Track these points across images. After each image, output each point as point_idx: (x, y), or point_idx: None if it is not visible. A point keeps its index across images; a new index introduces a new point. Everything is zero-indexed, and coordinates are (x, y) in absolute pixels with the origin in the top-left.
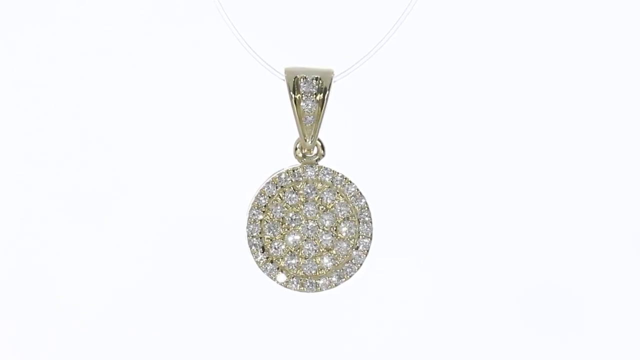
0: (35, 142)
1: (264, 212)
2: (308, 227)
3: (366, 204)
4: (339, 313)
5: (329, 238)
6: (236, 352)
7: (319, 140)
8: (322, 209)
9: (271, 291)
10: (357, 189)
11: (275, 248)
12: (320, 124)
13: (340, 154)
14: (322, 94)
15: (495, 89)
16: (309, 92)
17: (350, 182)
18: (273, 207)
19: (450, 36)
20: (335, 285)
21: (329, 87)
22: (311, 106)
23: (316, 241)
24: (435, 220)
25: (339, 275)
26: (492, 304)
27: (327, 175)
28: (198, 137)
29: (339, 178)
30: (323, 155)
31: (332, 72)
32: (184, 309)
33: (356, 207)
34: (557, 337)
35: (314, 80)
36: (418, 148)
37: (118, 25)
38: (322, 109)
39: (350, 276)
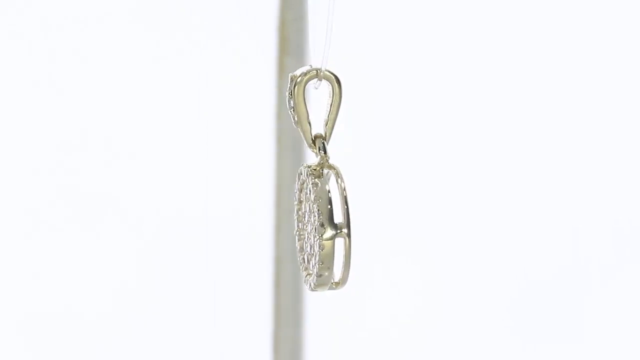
0: (31, 143)
1: (297, 209)
2: (314, 225)
3: (317, 207)
4: (336, 313)
5: (317, 238)
6: (235, 352)
7: (321, 140)
8: (315, 209)
9: (267, 291)
10: (319, 193)
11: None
12: (304, 124)
13: (338, 154)
14: (291, 94)
15: (490, 84)
16: (287, 93)
17: (316, 183)
18: (299, 204)
19: (441, 32)
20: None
21: (294, 86)
22: (290, 105)
23: (315, 241)
24: (432, 220)
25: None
26: (490, 306)
27: (310, 176)
28: (229, 139)
29: (311, 179)
30: (324, 157)
31: (303, 71)
32: (183, 311)
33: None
34: (555, 338)
35: (290, 81)
36: (414, 147)
37: (116, 25)
38: (298, 108)
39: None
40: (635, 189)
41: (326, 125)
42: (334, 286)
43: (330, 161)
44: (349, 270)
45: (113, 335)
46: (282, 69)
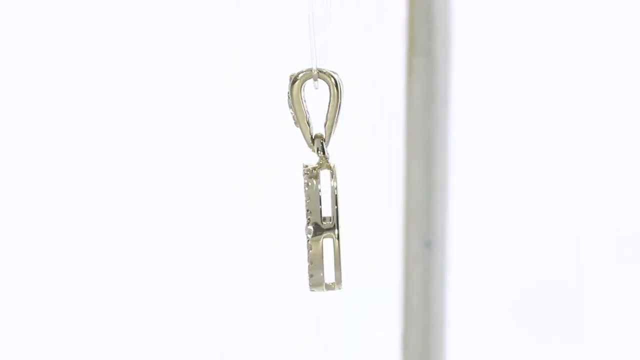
0: (31, 143)
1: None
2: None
3: (307, 207)
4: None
5: (307, 238)
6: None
7: (320, 140)
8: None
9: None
10: (309, 193)
11: None
12: (303, 123)
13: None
14: (288, 95)
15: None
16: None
17: (308, 183)
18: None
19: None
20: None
21: (291, 87)
22: (290, 105)
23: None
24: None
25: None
26: (490, 305)
27: (305, 176)
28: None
29: (305, 179)
30: (323, 157)
31: (300, 71)
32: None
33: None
34: (556, 338)
35: (289, 80)
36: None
37: (114, 25)
38: (296, 108)
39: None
40: (636, 190)
41: (325, 125)
42: (332, 287)
43: (330, 161)
44: (340, 271)
45: (115, 335)
46: (411, 69)
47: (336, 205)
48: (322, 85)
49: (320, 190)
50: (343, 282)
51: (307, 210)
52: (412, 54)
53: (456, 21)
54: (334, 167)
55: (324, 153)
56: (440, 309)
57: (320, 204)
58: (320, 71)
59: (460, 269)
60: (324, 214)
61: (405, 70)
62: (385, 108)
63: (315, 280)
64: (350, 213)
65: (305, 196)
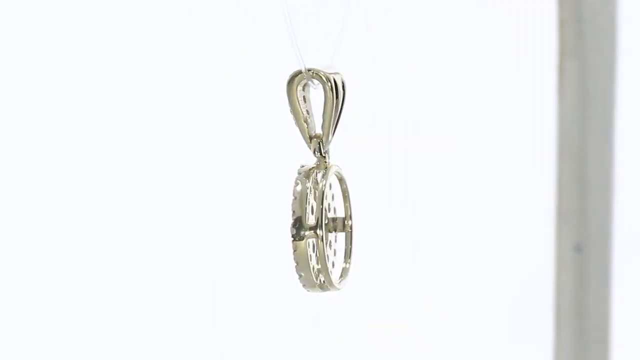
0: (32, 142)
1: None
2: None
3: (292, 207)
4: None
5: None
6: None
7: (317, 140)
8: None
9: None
10: (296, 193)
11: None
12: (300, 123)
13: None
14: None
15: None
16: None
17: (298, 183)
18: None
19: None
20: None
21: (287, 86)
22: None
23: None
24: (431, 221)
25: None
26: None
27: (299, 175)
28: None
29: (297, 178)
30: (320, 157)
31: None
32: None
33: None
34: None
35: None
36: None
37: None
38: (293, 108)
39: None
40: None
41: (322, 126)
42: (327, 287)
43: (330, 162)
44: (327, 272)
45: (110, 334)
46: (562, 72)
47: (321, 204)
48: None
49: (309, 189)
50: (337, 283)
51: (293, 211)
52: (563, 56)
53: (621, 23)
54: (329, 167)
55: (321, 153)
56: (593, 318)
57: (307, 204)
58: (315, 72)
59: (617, 276)
60: (310, 214)
61: (556, 73)
62: (536, 110)
63: (305, 281)
64: (498, 216)
65: (293, 196)
